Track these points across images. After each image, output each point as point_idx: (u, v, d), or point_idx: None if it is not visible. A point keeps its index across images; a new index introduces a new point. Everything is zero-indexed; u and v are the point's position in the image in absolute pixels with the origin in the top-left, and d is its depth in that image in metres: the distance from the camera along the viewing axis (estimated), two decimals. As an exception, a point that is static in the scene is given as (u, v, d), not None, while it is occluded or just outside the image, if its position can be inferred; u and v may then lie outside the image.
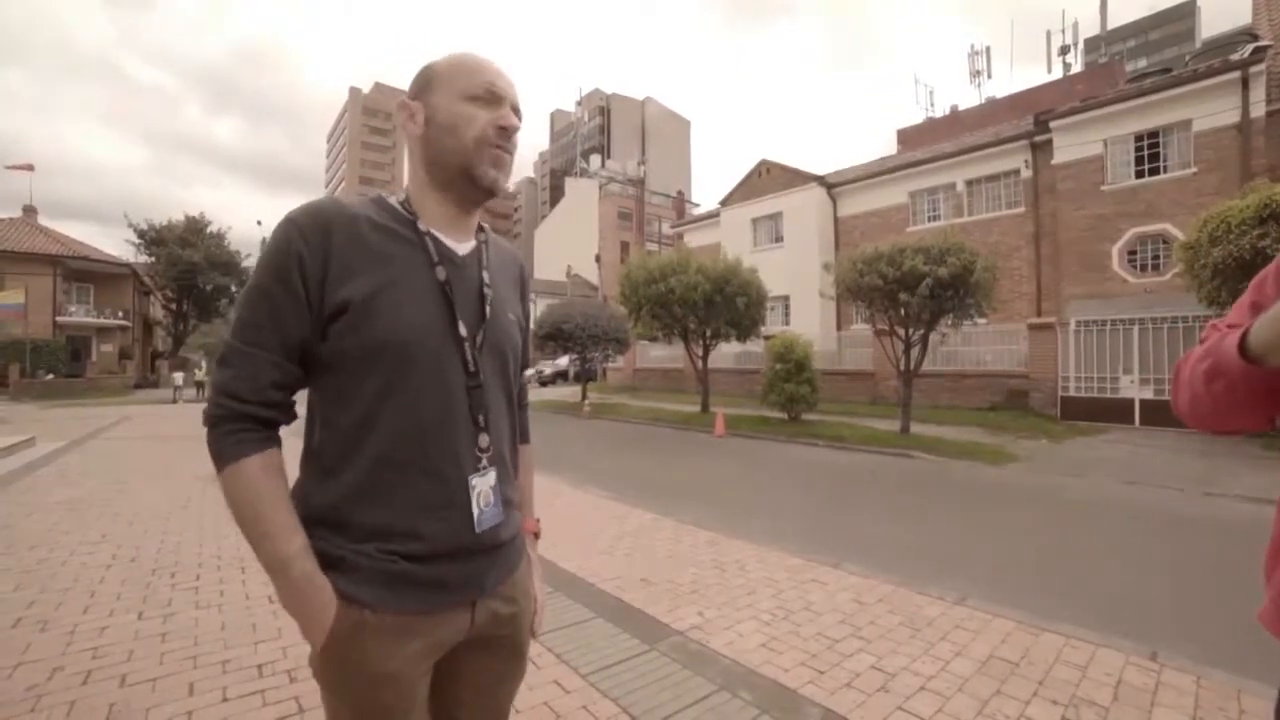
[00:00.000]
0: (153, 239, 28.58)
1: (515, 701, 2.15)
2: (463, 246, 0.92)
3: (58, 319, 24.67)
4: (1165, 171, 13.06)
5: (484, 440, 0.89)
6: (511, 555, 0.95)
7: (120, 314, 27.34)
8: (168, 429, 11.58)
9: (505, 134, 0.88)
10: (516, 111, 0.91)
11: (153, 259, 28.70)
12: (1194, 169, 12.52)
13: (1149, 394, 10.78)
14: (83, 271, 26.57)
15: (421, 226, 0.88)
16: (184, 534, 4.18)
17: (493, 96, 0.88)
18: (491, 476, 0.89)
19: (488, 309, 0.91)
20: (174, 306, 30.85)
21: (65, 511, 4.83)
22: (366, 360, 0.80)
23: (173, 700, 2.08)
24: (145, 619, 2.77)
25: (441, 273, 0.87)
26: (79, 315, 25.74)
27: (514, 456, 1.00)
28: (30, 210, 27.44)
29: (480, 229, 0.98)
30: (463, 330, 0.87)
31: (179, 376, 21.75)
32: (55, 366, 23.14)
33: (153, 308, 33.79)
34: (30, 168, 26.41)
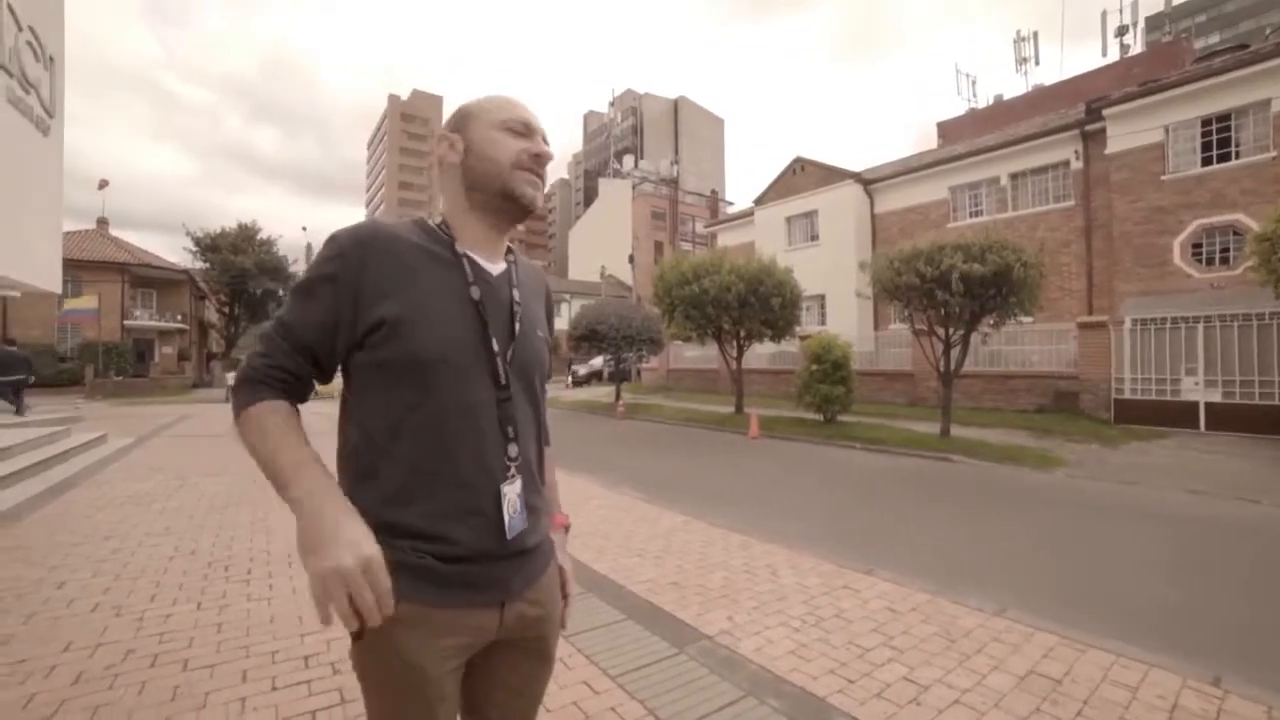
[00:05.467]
0: (208, 246, 30.14)
1: (545, 700, 2.20)
2: (495, 267, 0.98)
3: (125, 323, 26.41)
4: (1237, 157, 12.21)
5: (513, 450, 0.94)
6: (538, 560, 0.99)
7: (179, 317, 29.07)
8: (223, 428, 12.23)
9: (539, 160, 0.96)
10: (546, 141, 0.99)
11: (207, 265, 30.29)
12: (1273, 153, 11.66)
13: (1216, 397, 10.10)
14: (146, 278, 28.34)
15: (459, 248, 0.94)
16: (237, 529, 4.43)
17: (526, 129, 0.96)
18: (518, 485, 0.94)
19: (517, 326, 0.97)
20: (227, 310, 32.48)
21: (133, 505, 5.18)
22: (401, 372, 0.86)
23: (229, 686, 2.22)
24: (203, 609, 2.96)
25: (476, 292, 0.92)
26: (143, 319, 27.49)
27: (540, 465, 1.04)
28: (103, 222, 29.43)
29: (509, 250, 1.04)
30: (495, 346, 0.92)
31: (232, 376, 22.92)
32: (123, 367, 24.77)
33: (207, 311, 35.71)
34: (106, 184, 28.31)
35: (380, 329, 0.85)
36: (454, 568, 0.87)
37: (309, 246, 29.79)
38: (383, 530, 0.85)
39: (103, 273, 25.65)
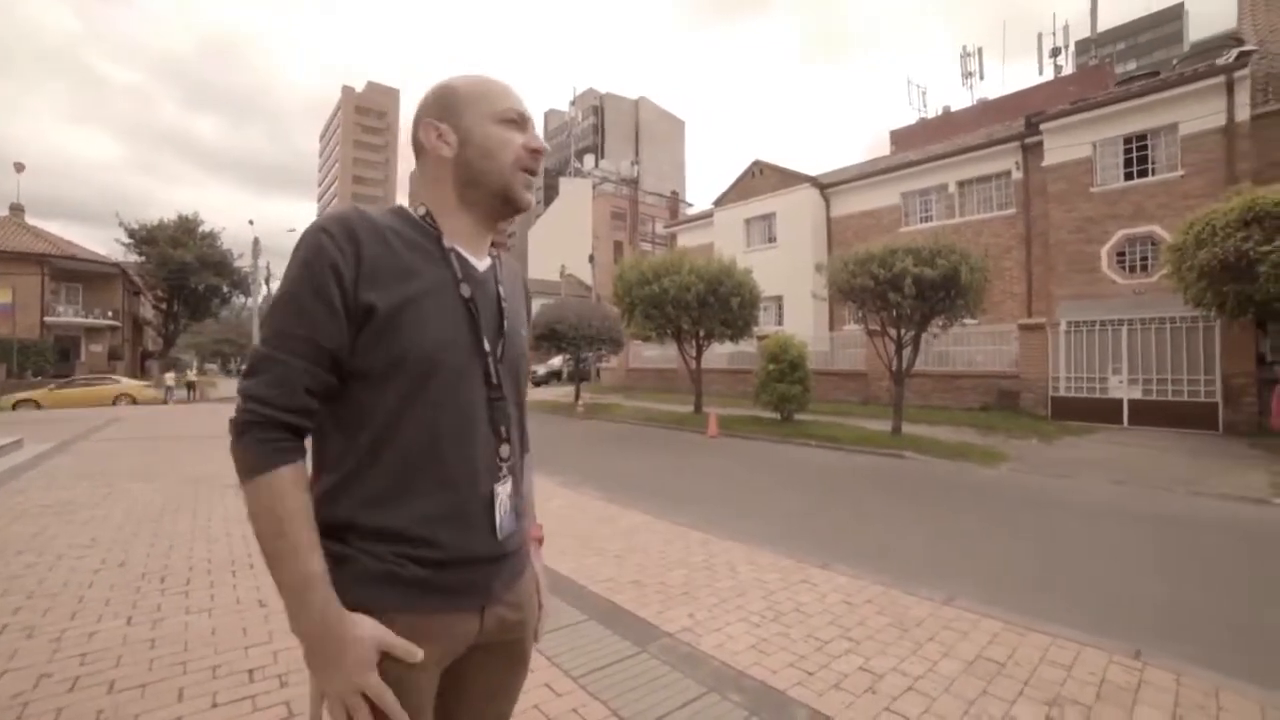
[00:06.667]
0: (143, 238, 28.24)
1: (506, 705, 2.16)
2: (481, 263, 0.95)
3: (45, 319, 24.40)
4: (1153, 174, 13.21)
5: (505, 450, 0.92)
6: (517, 563, 0.97)
7: (109, 314, 27.07)
8: (160, 430, 11.49)
9: (537, 156, 0.92)
10: (533, 127, 0.95)
11: (143, 259, 28.39)
12: (1181, 171, 12.68)
13: (1137, 394, 10.90)
14: (71, 271, 26.28)
15: (446, 243, 0.90)
16: (174, 538, 4.15)
17: (521, 119, 0.92)
18: (509, 485, 0.92)
19: (505, 324, 0.94)
20: (164, 306, 30.51)
21: (53, 515, 4.78)
22: (391, 372, 0.81)
23: (162, 706, 2.08)
24: (134, 624, 2.75)
25: (466, 289, 0.89)
26: (67, 315, 25.47)
27: (523, 467, 1.02)
28: (17, 209, 27.12)
29: (492, 245, 1.00)
30: (486, 345, 0.89)
31: (170, 377, 21.57)
32: (43, 367, 22.89)
33: (143, 307, 33.45)
34: (21, 167, 26.12)
35: (370, 323, 0.80)
36: (436, 573, 0.83)
37: (256, 240, 28.16)
38: (365, 535, 0.82)
39: (18, 264, 23.63)
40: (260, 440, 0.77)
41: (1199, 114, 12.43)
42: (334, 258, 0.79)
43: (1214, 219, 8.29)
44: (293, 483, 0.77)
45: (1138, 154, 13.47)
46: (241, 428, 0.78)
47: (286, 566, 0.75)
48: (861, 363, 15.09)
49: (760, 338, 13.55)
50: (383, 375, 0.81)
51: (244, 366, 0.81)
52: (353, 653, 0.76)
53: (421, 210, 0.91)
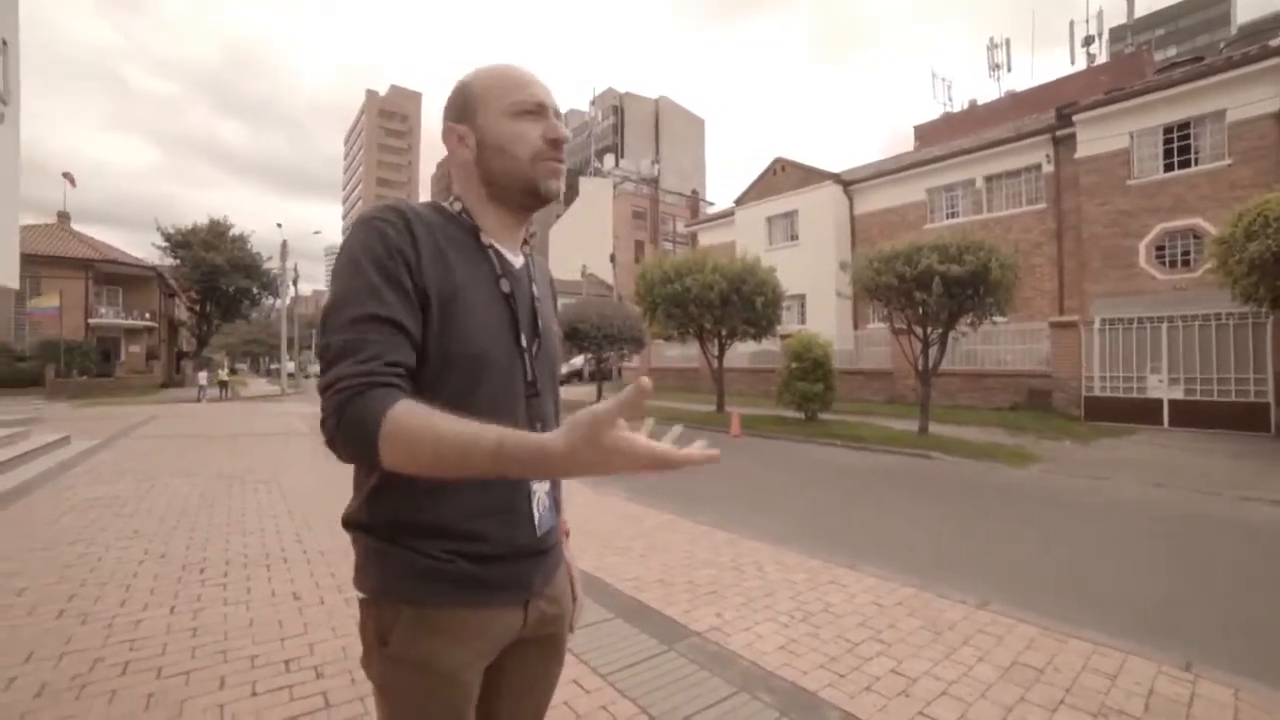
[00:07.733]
0: (178, 242, 29.29)
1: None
2: (516, 259, 0.94)
3: (89, 321, 25.44)
4: (1196, 164, 12.70)
5: None
6: (554, 557, 0.98)
7: (147, 315, 28.10)
8: (195, 428, 11.87)
9: (557, 145, 0.90)
10: (558, 115, 0.92)
11: (178, 262, 29.41)
12: (1228, 160, 12.15)
13: (1179, 394, 10.49)
14: (112, 275, 27.35)
15: (484, 239, 0.90)
16: (211, 531, 4.29)
17: (540, 109, 0.89)
18: (547, 482, 0.92)
19: (540, 322, 0.94)
20: (198, 308, 31.58)
21: (100, 508, 4.98)
22: (440, 368, 0.80)
23: (206, 693, 2.15)
24: (177, 614, 2.85)
25: (506, 285, 0.89)
26: (109, 317, 26.52)
27: None
28: (64, 216, 28.30)
29: (524, 241, 0.99)
30: (523, 342, 0.89)
31: (204, 376, 22.28)
32: (87, 367, 23.86)
33: (177, 309, 34.64)
34: (72, 181, 27.11)
35: (427, 311, 0.79)
36: (483, 568, 0.84)
37: (284, 243, 28.94)
38: (411, 531, 0.82)
39: (65, 269, 24.67)
40: (355, 409, 0.69)
41: (1250, 100, 11.89)
42: (398, 243, 0.78)
43: (1267, 209, 7.92)
44: (406, 411, 0.68)
45: (1179, 144, 12.96)
46: (335, 413, 0.70)
47: (473, 463, 0.65)
48: (887, 361, 14.83)
49: (783, 336, 13.41)
50: (434, 371, 0.80)
51: (323, 361, 0.75)
52: (579, 435, 0.61)
53: (458, 206, 0.91)
